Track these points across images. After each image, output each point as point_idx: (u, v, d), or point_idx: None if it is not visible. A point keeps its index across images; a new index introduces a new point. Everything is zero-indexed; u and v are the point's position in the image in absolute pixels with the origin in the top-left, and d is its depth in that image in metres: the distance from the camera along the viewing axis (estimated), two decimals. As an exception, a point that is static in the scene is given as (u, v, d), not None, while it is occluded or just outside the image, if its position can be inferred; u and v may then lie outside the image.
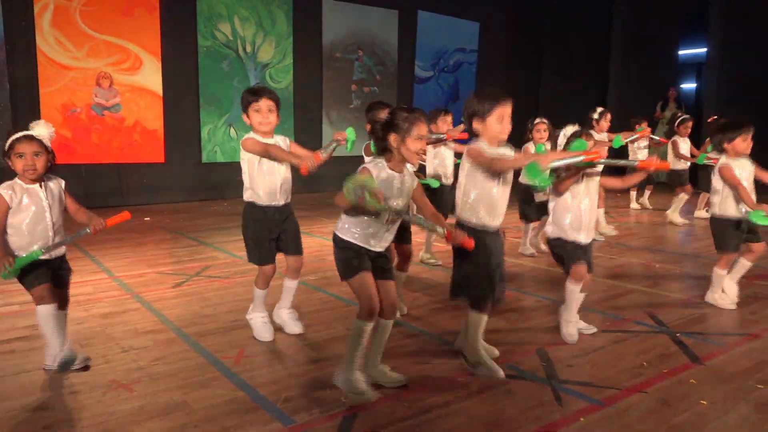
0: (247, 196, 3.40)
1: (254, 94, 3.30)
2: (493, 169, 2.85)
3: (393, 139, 2.65)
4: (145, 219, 7.84)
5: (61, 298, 3.00)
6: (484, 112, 2.85)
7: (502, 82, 12.96)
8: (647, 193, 9.07)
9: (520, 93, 13.67)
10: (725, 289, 4.09)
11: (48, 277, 2.89)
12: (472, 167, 2.92)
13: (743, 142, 3.86)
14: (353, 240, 2.71)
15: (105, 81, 8.91)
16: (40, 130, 2.86)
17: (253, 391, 2.77)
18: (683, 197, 7.63)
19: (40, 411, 2.59)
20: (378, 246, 2.73)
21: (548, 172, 2.83)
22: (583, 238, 3.37)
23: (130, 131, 9.20)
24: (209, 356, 3.19)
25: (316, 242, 6.38)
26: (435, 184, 4.44)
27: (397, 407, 2.60)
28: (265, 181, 3.33)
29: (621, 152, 9.13)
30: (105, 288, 4.55)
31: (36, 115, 8.21)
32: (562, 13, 13.05)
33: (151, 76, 9.26)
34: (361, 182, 2.48)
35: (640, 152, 8.64)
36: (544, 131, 5.62)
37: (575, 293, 3.43)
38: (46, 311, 2.82)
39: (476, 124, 2.92)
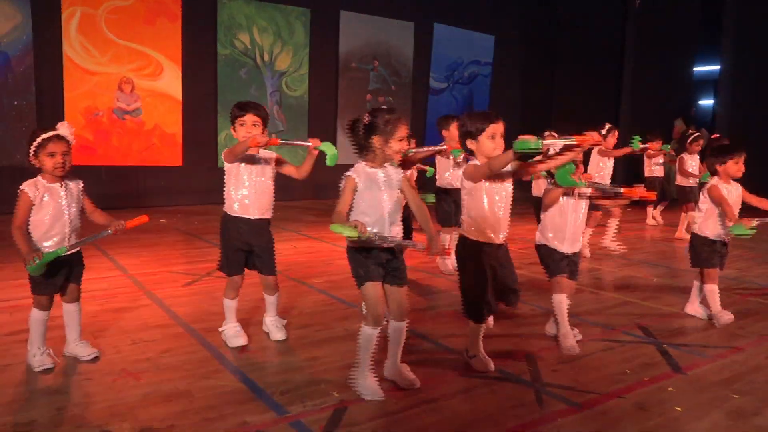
0: (225, 206, 3.50)
1: (240, 109, 3.42)
2: (492, 172, 2.94)
3: (376, 140, 2.79)
4: (161, 221, 8.10)
5: (73, 292, 3.20)
6: (476, 132, 3.01)
7: (516, 94, 13.12)
8: (660, 207, 9.14)
9: (533, 106, 13.86)
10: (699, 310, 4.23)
11: (55, 287, 3.10)
12: (471, 186, 3.07)
13: (735, 165, 3.96)
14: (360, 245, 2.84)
15: (127, 86, 9.22)
16: (65, 131, 3.03)
17: (252, 384, 2.95)
18: (687, 215, 7.72)
19: (54, 395, 2.79)
20: (390, 238, 2.81)
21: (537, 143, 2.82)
22: (566, 249, 3.52)
23: (150, 135, 9.50)
24: (214, 350, 3.38)
25: (325, 247, 6.57)
26: (431, 200, 4.60)
27: (386, 402, 2.76)
28: (239, 193, 3.42)
29: (637, 166, 9.22)
30: (119, 285, 4.77)
31: (60, 118, 8.53)
32: (576, 28, 13.18)
33: (171, 82, 9.56)
34: (337, 229, 2.58)
35: (656, 169, 8.72)
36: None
37: (562, 303, 3.56)
38: (40, 316, 3.09)
39: (470, 144, 3.07)
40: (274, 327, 3.64)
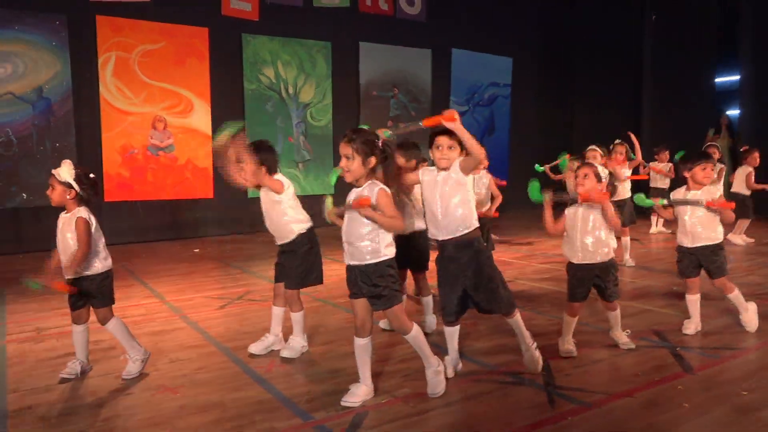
0: None
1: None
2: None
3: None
4: (195, 250, 8.44)
5: (96, 315, 3.48)
6: (430, 144, 3.28)
7: (536, 114, 13.27)
8: (660, 220, 9.12)
9: (553, 125, 13.97)
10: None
11: (71, 307, 3.44)
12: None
13: (701, 172, 4.06)
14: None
15: (160, 124, 9.70)
16: (60, 168, 3.35)
17: (279, 394, 3.16)
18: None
19: (100, 408, 3.05)
20: (349, 258, 3.07)
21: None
22: (576, 260, 3.66)
23: (182, 169, 9.92)
24: (244, 366, 3.61)
25: (350, 269, 6.78)
26: None
27: (403, 407, 2.95)
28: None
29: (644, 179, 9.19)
30: (157, 310, 5.06)
31: (98, 158, 9.02)
32: (593, 46, 13.30)
33: (201, 119, 10.01)
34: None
35: (661, 182, 8.76)
36: (601, 157, 6.03)
37: (570, 324, 3.72)
38: (73, 330, 3.49)
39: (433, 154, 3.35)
40: (288, 344, 3.84)
